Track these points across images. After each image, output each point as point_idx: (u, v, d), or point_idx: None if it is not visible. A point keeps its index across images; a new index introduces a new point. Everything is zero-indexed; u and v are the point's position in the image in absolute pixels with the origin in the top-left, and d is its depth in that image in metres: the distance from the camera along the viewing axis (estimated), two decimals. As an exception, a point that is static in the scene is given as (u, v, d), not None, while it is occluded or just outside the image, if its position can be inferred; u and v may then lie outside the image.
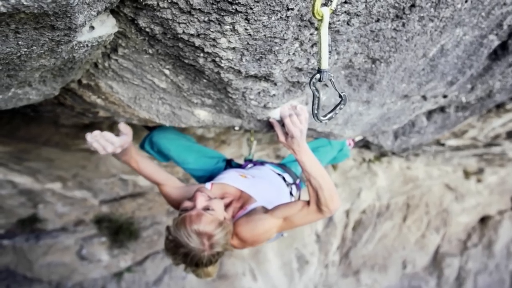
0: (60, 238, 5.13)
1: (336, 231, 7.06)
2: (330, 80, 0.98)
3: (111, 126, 3.72)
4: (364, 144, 3.71)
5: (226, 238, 1.61)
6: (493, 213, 8.98)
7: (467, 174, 7.52)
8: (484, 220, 9.16)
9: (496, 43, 1.77)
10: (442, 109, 2.76)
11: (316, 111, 1.06)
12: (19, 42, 0.82)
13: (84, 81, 1.50)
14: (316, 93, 1.01)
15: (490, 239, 9.15)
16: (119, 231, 5.27)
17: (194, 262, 1.57)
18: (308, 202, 1.75)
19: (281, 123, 1.65)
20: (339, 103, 1.06)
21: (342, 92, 1.04)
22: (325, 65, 0.93)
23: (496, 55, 2.00)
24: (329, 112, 1.09)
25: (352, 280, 7.99)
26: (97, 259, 5.36)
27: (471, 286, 9.33)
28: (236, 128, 1.90)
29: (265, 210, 1.79)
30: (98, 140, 1.58)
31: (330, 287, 7.83)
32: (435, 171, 6.82)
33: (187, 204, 1.67)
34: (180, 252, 1.56)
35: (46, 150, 3.96)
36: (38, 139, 3.63)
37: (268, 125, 1.78)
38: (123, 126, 1.72)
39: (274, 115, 1.61)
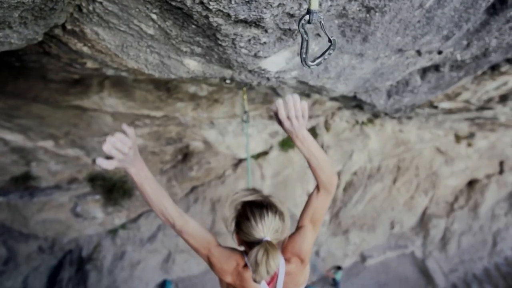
0: (54, 195, 5.17)
1: (327, 192, 7.17)
2: (320, 22, 0.94)
3: (101, 82, 3.64)
4: (357, 104, 3.70)
5: None
6: (481, 177, 9.18)
7: (458, 138, 7.60)
8: (471, 183, 9.38)
9: (495, -5, 1.72)
10: (436, 68, 2.73)
11: (304, 55, 1.02)
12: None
13: (69, 27, 1.45)
14: (305, 35, 0.97)
15: (476, 201, 9.41)
16: (112, 190, 5.33)
17: None
18: (317, 187, 1.72)
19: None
20: (329, 48, 1.03)
21: (331, 37, 1.01)
22: (315, 5, 0.89)
23: (494, 9, 1.95)
24: (318, 57, 1.06)
25: (341, 239, 8.26)
26: (91, 216, 5.45)
27: (455, 246, 9.72)
28: (227, 81, 1.87)
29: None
30: (114, 143, 1.25)
31: (320, 245, 8.11)
32: (427, 135, 6.88)
33: None
34: None
35: (36, 107, 3.89)
36: (27, 95, 3.55)
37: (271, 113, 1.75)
38: (126, 126, 1.38)
39: (265, 65, 1.58)
